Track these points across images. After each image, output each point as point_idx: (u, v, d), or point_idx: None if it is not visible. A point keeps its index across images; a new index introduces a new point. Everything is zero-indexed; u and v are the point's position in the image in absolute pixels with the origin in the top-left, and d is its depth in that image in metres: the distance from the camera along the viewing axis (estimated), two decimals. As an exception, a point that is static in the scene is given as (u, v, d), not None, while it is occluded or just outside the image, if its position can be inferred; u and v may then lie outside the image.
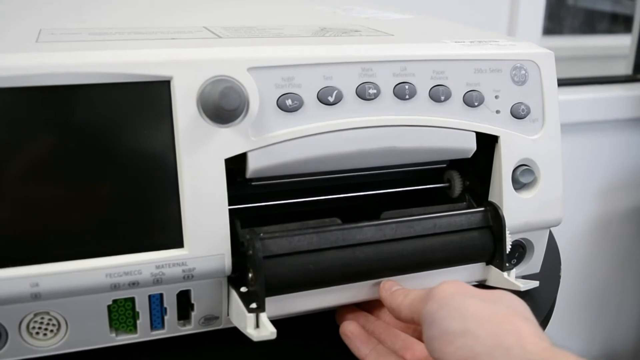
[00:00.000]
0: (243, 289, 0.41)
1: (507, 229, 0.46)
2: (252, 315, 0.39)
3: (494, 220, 0.46)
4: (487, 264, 0.48)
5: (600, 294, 1.40)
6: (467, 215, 0.46)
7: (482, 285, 0.49)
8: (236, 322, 0.41)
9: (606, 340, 1.45)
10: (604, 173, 1.28)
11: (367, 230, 0.43)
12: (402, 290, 0.42)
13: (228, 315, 0.43)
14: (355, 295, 0.45)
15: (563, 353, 0.31)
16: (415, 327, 0.43)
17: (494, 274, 0.47)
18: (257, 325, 0.39)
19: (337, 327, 0.44)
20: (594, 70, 1.32)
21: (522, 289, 0.46)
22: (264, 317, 0.39)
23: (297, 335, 0.44)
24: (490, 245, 0.46)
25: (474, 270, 0.48)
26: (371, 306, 0.46)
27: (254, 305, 0.39)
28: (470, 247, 0.46)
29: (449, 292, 0.36)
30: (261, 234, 0.41)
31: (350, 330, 0.43)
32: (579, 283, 1.36)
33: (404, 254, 0.44)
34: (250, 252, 0.40)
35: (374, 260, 0.43)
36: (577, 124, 1.18)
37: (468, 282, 0.49)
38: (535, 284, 0.47)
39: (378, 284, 0.44)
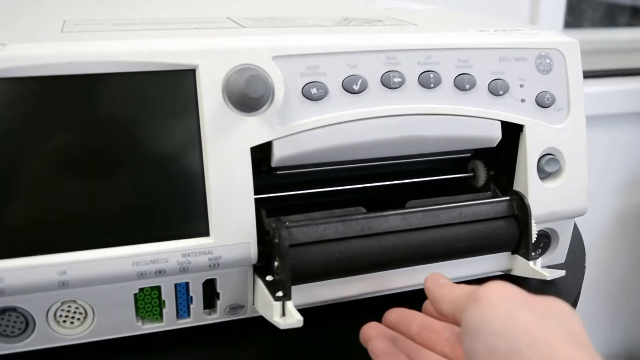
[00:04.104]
0: (269, 278, 0.41)
1: (532, 218, 0.46)
2: (278, 304, 0.39)
3: (520, 209, 0.46)
4: (513, 253, 0.47)
5: (621, 288, 1.39)
6: (492, 204, 0.46)
7: (508, 275, 0.49)
8: (262, 310, 0.41)
9: (627, 334, 1.44)
10: (626, 166, 1.27)
11: (392, 219, 0.43)
12: (449, 283, 0.38)
13: (253, 304, 0.43)
14: (381, 285, 0.45)
15: None
16: (452, 324, 0.39)
17: (519, 264, 0.47)
18: (284, 314, 0.39)
19: (362, 316, 0.44)
20: (615, 64, 1.30)
21: (548, 278, 0.45)
22: (290, 305, 0.39)
23: (323, 324, 0.44)
24: (516, 234, 0.46)
25: (500, 260, 0.48)
26: (398, 323, 0.41)
27: (280, 294, 0.39)
28: (496, 236, 0.46)
29: (497, 298, 0.32)
30: (287, 223, 0.41)
31: (379, 347, 0.39)
32: (600, 276, 1.35)
33: (430, 243, 0.44)
34: (276, 240, 0.40)
35: (399, 249, 0.43)
36: (599, 116, 1.17)
37: (493, 272, 0.49)
38: (561, 273, 0.46)
39: (403, 273, 0.44)
